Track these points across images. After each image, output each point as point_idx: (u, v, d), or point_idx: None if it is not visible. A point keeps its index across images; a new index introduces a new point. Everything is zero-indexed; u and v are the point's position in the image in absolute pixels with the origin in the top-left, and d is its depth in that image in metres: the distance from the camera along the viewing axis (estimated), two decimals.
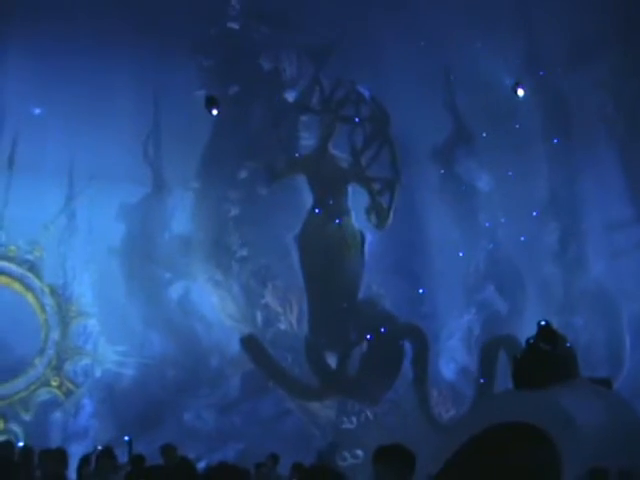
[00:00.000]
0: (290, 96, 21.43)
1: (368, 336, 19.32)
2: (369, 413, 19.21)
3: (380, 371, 19.00)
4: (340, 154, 19.88)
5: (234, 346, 20.47)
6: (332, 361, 19.47)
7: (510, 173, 21.10)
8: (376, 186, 19.66)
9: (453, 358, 20.87)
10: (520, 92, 18.09)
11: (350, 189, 19.89)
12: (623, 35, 19.71)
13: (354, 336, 19.41)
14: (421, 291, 21.01)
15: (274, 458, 11.35)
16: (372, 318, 19.59)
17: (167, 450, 9.60)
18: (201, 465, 10.17)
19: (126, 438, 9.76)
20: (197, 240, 21.25)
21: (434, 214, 21.40)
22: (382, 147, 19.65)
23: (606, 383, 13.92)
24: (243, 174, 21.11)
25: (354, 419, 19.26)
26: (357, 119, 19.69)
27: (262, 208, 20.60)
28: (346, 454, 17.89)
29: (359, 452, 18.04)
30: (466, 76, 20.69)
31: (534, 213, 21.37)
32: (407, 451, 5.36)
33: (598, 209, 20.54)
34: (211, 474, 3.76)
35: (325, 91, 20.01)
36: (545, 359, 13.33)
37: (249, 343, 19.73)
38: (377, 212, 19.59)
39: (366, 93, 19.91)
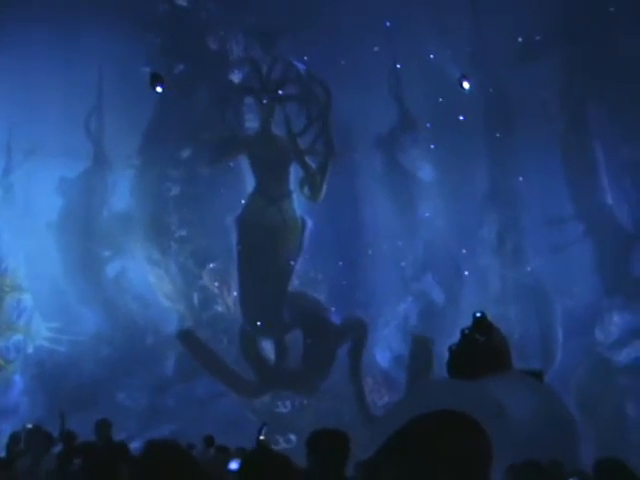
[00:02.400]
0: (236, 77, 21.26)
1: (305, 323, 19.29)
2: (304, 398, 19.22)
3: (319, 362, 19.01)
4: (284, 136, 19.77)
5: (170, 326, 20.31)
6: (267, 347, 19.43)
7: (452, 164, 21.21)
8: (311, 159, 19.56)
9: (389, 346, 20.97)
10: (466, 85, 18.17)
11: (293, 173, 19.81)
12: (569, 35, 19.91)
13: (289, 321, 19.34)
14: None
15: (208, 440, 11.28)
16: (308, 304, 19.56)
17: (102, 425, 9.46)
18: (134, 445, 10.06)
19: (59, 413, 9.62)
20: (136, 218, 21.02)
21: (375, 202, 21.43)
22: (324, 124, 19.56)
23: (538, 375, 14.12)
24: (185, 153, 20.91)
25: (288, 403, 19.26)
26: (296, 97, 19.48)
27: (203, 188, 20.44)
28: (279, 438, 17.88)
29: (292, 437, 18.04)
30: (414, 66, 20.74)
31: (474, 205, 21.53)
32: (342, 436, 5.35)
33: (538, 205, 20.76)
34: (151, 449, 3.69)
35: (264, 71, 19.82)
36: (479, 350, 13.47)
37: (186, 338, 19.55)
38: (310, 184, 19.52)
39: (304, 69, 19.73)
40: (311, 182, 19.27)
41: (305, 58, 19.63)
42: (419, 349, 18.96)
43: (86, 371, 20.20)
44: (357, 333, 19.01)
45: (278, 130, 19.52)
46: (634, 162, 20.27)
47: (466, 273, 21.27)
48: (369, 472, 2.68)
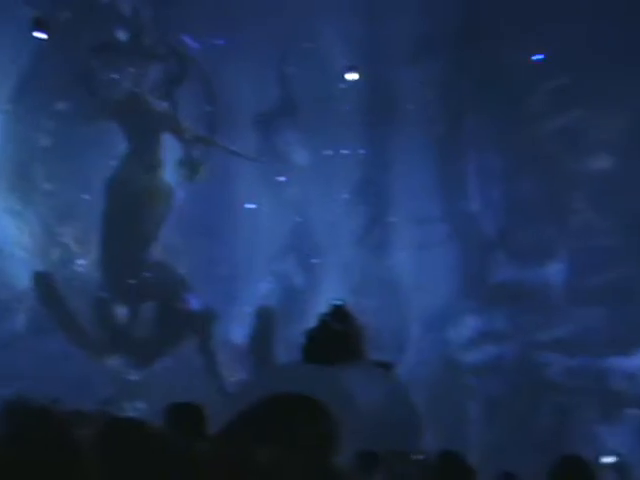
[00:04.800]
0: (121, 35, 20.74)
1: (161, 295, 19.08)
2: (157, 367, 19.04)
3: (168, 335, 18.88)
4: (159, 102, 19.44)
5: (23, 280, 19.73)
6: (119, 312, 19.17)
7: (328, 152, 21.33)
8: (191, 139, 19.37)
9: (245, 323, 20.97)
10: (351, 76, 18.32)
11: (167, 141, 19.54)
12: (458, 39, 20.25)
13: (146, 291, 19.11)
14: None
15: (55, 402, 11.02)
16: (168, 277, 19.35)
17: None
18: None
19: None
20: (0, 166, 20.31)
21: (246, 180, 21.37)
22: (206, 100, 19.35)
23: (389, 367, 14.42)
24: (61, 106, 20.29)
25: (139, 371, 19.04)
26: (172, 64, 19.24)
27: (75, 144, 19.88)
28: (127, 405, 17.67)
29: (140, 405, 17.86)
30: (304, 50, 20.71)
31: (345, 195, 21.72)
32: (197, 409, 5.33)
33: (408, 201, 21.08)
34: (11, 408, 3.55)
35: (139, 33, 19.44)
36: (335, 337, 13.64)
37: (41, 281, 19.04)
38: (189, 165, 19.34)
39: (184, 40, 19.49)
40: (190, 163, 19.13)
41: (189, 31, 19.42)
42: (262, 320, 19.13)
43: None
44: (205, 321, 18.96)
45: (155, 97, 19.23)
46: (503, 172, 20.81)
47: (329, 260, 21.45)
48: (219, 446, 2.66)
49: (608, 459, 10.67)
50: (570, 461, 6.20)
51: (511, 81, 20.00)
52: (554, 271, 20.19)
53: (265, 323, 19.28)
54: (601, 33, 18.66)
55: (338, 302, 14.41)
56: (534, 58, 19.98)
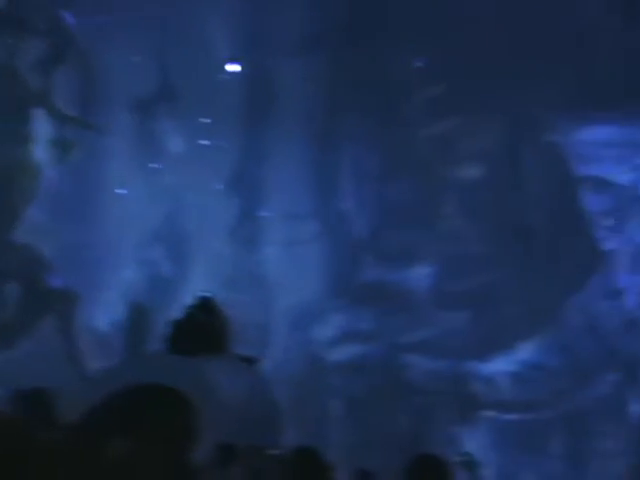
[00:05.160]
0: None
1: (21, 276, 18.52)
2: (16, 350, 18.48)
3: (24, 317, 18.36)
4: (34, 77, 18.86)
5: None
6: None
7: (205, 142, 21.16)
8: (64, 118, 18.88)
9: (109, 310, 20.58)
10: (232, 67, 18.20)
11: (40, 119, 18.97)
12: (342, 36, 20.38)
13: (11, 272, 18.53)
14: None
15: None
16: (30, 258, 18.78)
17: None
18: None
19: None
20: None
21: (120, 164, 20.99)
22: (83, 79, 18.89)
23: (253, 362, 14.39)
24: None
25: None
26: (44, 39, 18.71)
27: None
28: None
29: None
30: (187, 37, 20.46)
31: (219, 186, 21.58)
32: (47, 396, 5.19)
33: (281, 197, 21.09)
34: None
35: (17, 3, 18.85)
36: (200, 329, 13.50)
37: None
38: (61, 145, 18.84)
39: (65, 16, 18.99)
40: (62, 143, 18.63)
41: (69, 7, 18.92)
42: (136, 317, 18.81)
43: None
44: (66, 303, 18.52)
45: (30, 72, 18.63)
46: (377, 173, 21.04)
47: (199, 251, 21.28)
48: (72, 436, 2.56)
49: (459, 458, 10.95)
50: (426, 459, 6.30)
51: (391, 84, 20.24)
52: (421, 274, 20.51)
53: (137, 314, 18.96)
54: (479, 44, 19.08)
55: (205, 294, 14.27)
56: (416, 64, 20.27)
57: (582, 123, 18.95)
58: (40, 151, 18.90)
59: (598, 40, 18.73)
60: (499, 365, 19.07)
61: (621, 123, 18.63)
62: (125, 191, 21.31)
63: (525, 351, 19.00)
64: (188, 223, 21.53)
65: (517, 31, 18.80)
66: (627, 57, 18.51)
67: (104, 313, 20.13)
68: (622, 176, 19.03)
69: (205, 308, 13.98)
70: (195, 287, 17.14)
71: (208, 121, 20.93)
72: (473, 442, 17.79)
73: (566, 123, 19.07)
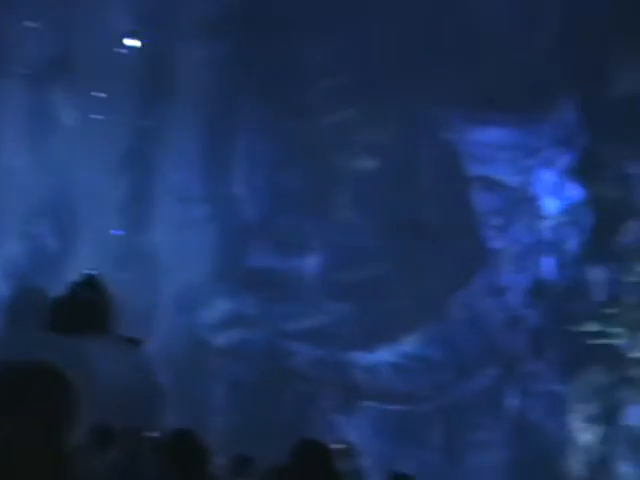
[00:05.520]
0: None
1: None
2: None
3: None
4: None
5: None
6: None
7: (98, 117, 20.77)
8: None
9: None
10: (131, 42, 17.87)
11: None
12: (245, 22, 20.26)
13: None
14: None
15: None
16: None
17: None
18: None
19: None
20: None
21: (6, 135, 20.41)
22: None
23: (137, 343, 14.21)
24: None
25: None
26: None
27: None
28: None
29: None
30: (86, 4, 20.01)
31: (111, 163, 21.20)
32: None
33: (172, 178, 20.86)
34: None
35: None
36: (83, 307, 13.28)
37: None
38: None
39: None
40: None
41: None
42: (17, 292, 18.34)
43: None
44: None
45: None
46: (271, 160, 21.02)
47: (87, 228, 20.88)
48: None
49: (338, 445, 11.11)
50: (309, 445, 6.31)
51: (290, 73, 20.23)
52: (309, 263, 20.61)
53: (18, 289, 18.47)
54: (382, 38, 19.26)
55: (90, 272, 14.05)
56: (317, 53, 20.26)
57: (477, 124, 19.32)
58: None
59: (498, 44, 19.10)
60: (382, 356, 19.33)
61: (515, 126, 19.07)
62: (12, 162, 20.75)
63: (409, 343, 19.30)
64: (76, 199, 21.09)
65: (420, 28, 19.04)
66: (525, 62, 18.95)
67: None
68: (512, 178, 19.47)
69: (89, 286, 13.76)
70: (81, 265, 16.84)
71: (103, 95, 20.53)
72: (354, 431, 18.02)
73: (462, 122, 19.41)
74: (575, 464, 18.00)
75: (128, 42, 18.28)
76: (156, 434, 9.05)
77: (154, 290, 20.47)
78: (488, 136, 19.43)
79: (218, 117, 20.93)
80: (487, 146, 19.49)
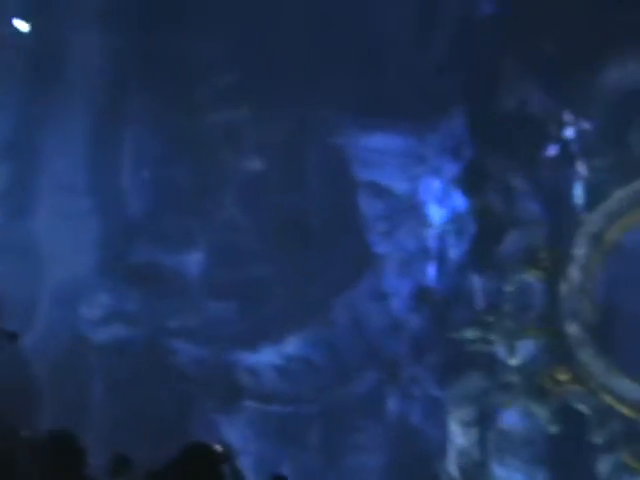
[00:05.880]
0: None
1: None
2: None
3: None
4: None
5: None
6: None
7: None
8: None
9: None
10: (20, 24, 17.35)
11: None
12: (141, 15, 20.02)
13: None
14: None
15: None
16: None
17: None
18: None
19: None
20: None
21: None
22: None
23: (12, 337, 13.80)
24: None
25: None
26: None
27: None
28: None
29: None
30: None
31: None
32: None
33: (57, 168, 20.41)
34: None
35: None
36: None
37: None
38: None
39: None
40: None
41: None
42: None
43: None
44: None
45: None
46: (159, 155, 20.81)
47: None
48: None
49: (218, 447, 11.07)
50: (197, 448, 6.28)
51: (183, 69, 20.08)
52: (193, 261, 20.46)
53: None
54: (277, 38, 19.32)
55: None
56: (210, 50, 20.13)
57: (368, 129, 19.53)
58: None
59: (392, 50, 19.38)
60: (265, 357, 19.34)
61: (404, 134, 19.35)
62: None
63: (291, 345, 19.37)
64: None
65: (316, 31, 19.16)
66: (418, 71, 19.27)
67: None
68: (400, 184, 19.75)
69: None
70: None
71: None
72: (234, 431, 18.00)
73: (351, 127, 19.59)
74: (452, 467, 18.42)
75: (17, 24, 17.73)
76: (31, 433, 8.83)
77: (33, 282, 19.95)
78: (377, 142, 19.66)
79: (107, 109, 20.58)
80: (376, 152, 19.71)
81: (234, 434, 17.47)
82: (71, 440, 6.18)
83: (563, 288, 18.46)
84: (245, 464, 13.26)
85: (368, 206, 19.94)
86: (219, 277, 20.12)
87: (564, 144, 18.95)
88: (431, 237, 19.51)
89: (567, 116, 18.85)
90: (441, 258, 19.37)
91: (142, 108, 20.58)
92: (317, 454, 18.85)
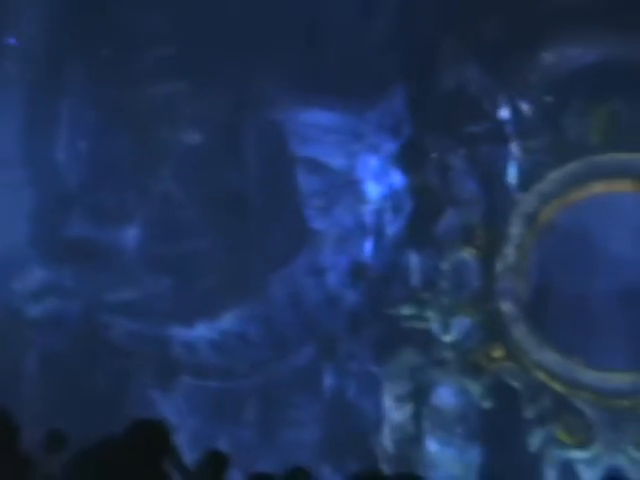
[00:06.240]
0: None
1: None
2: None
3: None
4: None
5: None
6: None
7: None
8: None
9: None
10: None
11: None
12: None
13: None
14: None
15: None
16: None
17: None
18: None
19: None
20: None
21: None
22: None
23: None
24: None
25: None
26: None
27: None
28: None
29: None
30: None
31: None
32: None
33: None
34: None
35: None
36: None
37: None
38: None
39: None
40: None
41: None
42: None
43: None
44: None
45: None
46: (95, 127, 20.56)
47: None
48: None
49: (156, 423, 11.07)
50: (135, 424, 6.27)
51: (120, 39, 19.83)
52: (129, 235, 20.28)
53: None
54: (216, 11, 19.16)
55: None
56: (147, 21, 19.89)
57: (307, 105, 19.50)
58: None
59: (333, 26, 19.34)
60: (201, 332, 19.31)
61: (344, 111, 19.36)
62: None
63: (227, 320, 19.36)
64: None
65: (256, 6, 19.03)
66: (359, 48, 19.27)
67: None
68: (337, 160, 19.78)
69: None
70: None
71: None
72: (170, 407, 17.97)
73: (291, 103, 19.55)
74: (386, 441, 18.62)
75: None
76: None
77: None
78: (316, 118, 19.64)
79: (42, 80, 20.24)
80: (314, 128, 19.70)
81: (170, 409, 17.46)
82: (5, 416, 6.12)
83: (498, 266, 18.72)
84: (181, 439, 13.31)
85: (306, 182, 19.95)
86: (155, 251, 19.99)
87: (500, 124, 19.16)
88: (368, 213, 19.59)
89: (504, 97, 19.07)
90: (378, 235, 19.47)
91: (79, 80, 20.28)
92: (253, 429, 18.92)
